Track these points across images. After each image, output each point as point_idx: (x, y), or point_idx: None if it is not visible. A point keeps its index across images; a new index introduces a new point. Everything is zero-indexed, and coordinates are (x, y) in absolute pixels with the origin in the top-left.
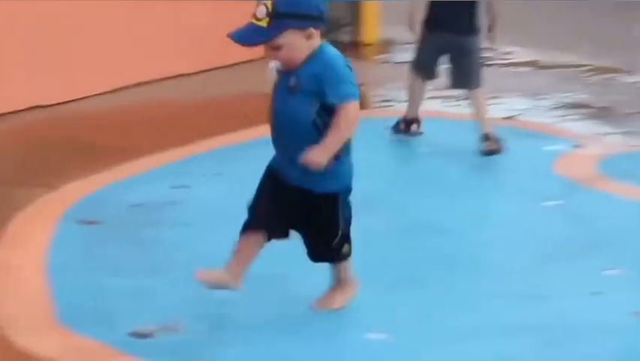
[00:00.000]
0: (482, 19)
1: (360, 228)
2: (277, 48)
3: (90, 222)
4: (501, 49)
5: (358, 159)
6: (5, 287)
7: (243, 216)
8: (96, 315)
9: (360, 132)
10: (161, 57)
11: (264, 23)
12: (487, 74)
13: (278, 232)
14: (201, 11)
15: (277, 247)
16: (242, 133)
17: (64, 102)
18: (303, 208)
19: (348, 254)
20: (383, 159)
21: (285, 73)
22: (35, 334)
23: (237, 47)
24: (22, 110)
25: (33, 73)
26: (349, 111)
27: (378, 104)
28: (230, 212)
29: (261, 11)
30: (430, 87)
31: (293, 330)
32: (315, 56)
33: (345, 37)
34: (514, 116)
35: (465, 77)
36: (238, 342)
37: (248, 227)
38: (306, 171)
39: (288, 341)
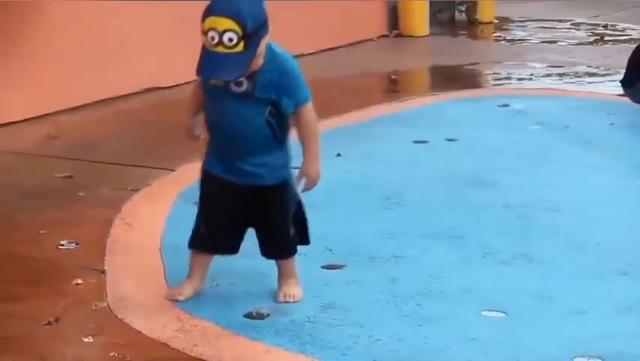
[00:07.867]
0: None
1: (473, 205)
2: None
3: None
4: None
5: (469, 136)
6: (121, 267)
7: (358, 196)
8: (210, 296)
9: (474, 110)
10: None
11: (239, 48)
12: (600, 51)
13: (228, 251)
14: None
15: (389, 228)
16: (359, 112)
17: (185, 83)
18: (256, 206)
19: (295, 246)
20: (494, 137)
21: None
22: (150, 315)
23: (355, 27)
24: (141, 92)
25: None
26: (309, 114)
27: (493, 83)
28: (346, 191)
29: (230, 38)
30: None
31: (404, 310)
32: (269, 57)
33: (461, 15)
34: None
35: None
36: (350, 323)
37: (199, 248)
38: (258, 166)
39: (399, 321)
